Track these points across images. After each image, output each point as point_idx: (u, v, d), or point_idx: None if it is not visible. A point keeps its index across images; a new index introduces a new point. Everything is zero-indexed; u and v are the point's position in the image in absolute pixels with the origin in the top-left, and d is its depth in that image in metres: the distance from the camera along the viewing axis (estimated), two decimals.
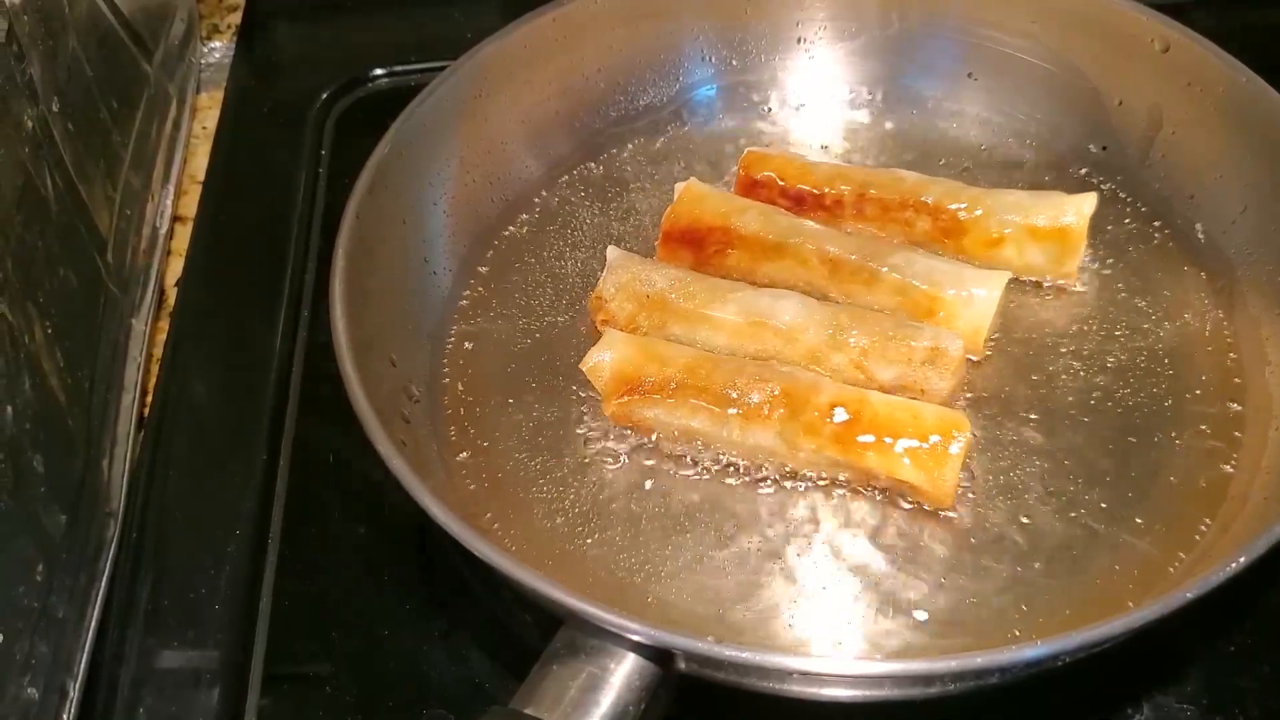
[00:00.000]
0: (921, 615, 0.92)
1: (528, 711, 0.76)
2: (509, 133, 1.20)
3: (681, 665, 0.80)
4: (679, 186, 1.16)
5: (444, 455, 1.02)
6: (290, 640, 0.96)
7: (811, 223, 1.13)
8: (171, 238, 1.27)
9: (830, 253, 1.09)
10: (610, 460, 1.01)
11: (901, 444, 0.95)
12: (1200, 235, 1.12)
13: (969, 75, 1.26)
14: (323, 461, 1.06)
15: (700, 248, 1.12)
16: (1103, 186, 1.17)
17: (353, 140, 1.33)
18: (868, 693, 0.86)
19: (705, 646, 0.77)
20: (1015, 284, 1.11)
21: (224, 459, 1.07)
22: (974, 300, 1.05)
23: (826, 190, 1.15)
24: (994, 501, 0.97)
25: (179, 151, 1.33)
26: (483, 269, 1.16)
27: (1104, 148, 1.20)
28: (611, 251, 1.11)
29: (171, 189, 1.29)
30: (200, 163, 1.35)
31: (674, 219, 1.14)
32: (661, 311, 1.07)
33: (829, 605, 0.93)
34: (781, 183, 1.16)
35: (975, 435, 1.00)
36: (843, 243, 1.10)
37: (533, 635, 0.92)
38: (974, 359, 1.05)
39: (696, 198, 1.15)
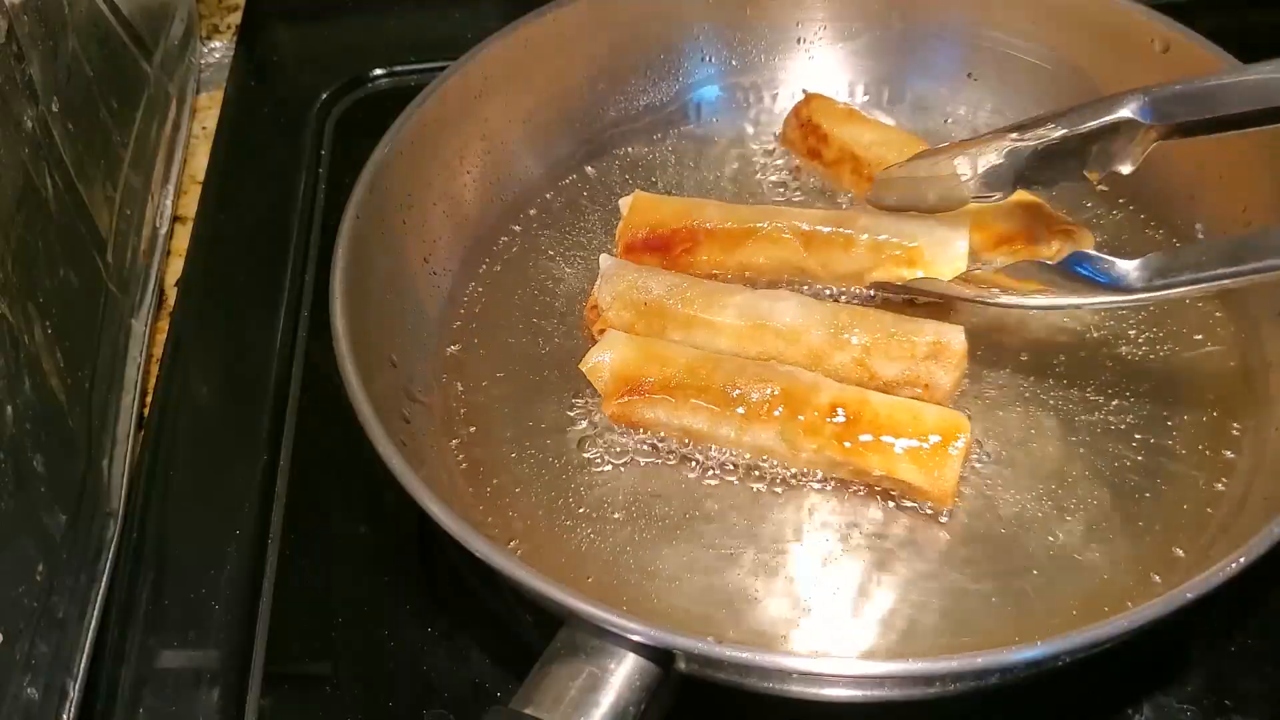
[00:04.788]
0: (922, 615, 0.92)
1: (528, 711, 0.76)
2: (509, 133, 1.20)
3: (682, 665, 0.80)
4: (624, 202, 1.15)
5: (444, 455, 1.02)
6: (290, 640, 0.96)
7: (773, 206, 1.14)
8: (171, 238, 1.27)
9: (802, 228, 1.10)
10: (610, 460, 1.01)
11: (902, 444, 0.95)
12: (1200, 235, 1.12)
13: (969, 75, 1.26)
14: (323, 461, 1.06)
15: (667, 250, 1.12)
16: (1102, 186, 1.17)
17: (353, 140, 1.33)
18: (868, 693, 0.86)
19: (705, 646, 0.77)
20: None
21: (224, 459, 1.07)
22: (949, 241, 1.06)
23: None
24: (994, 502, 0.97)
25: (179, 151, 1.33)
26: (483, 269, 1.16)
27: None
28: (604, 260, 1.10)
29: (171, 189, 1.29)
30: (200, 163, 1.35)
31: (632, 231, 1.12)
32: (660, 318, 1.06)
33: (829, 605, 0.93)
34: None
35: (975, 435, 1.00)
36: (809, 217, 1.11)
37: (533, 635, 0.92)
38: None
39: (651, 206, 1.14)
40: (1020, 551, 0.94)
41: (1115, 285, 0.92)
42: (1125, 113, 0.93)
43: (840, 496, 0.98)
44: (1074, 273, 0.93)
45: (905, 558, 0.95)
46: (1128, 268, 0.91)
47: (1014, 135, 0.98)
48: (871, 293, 1.09)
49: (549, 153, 1.23)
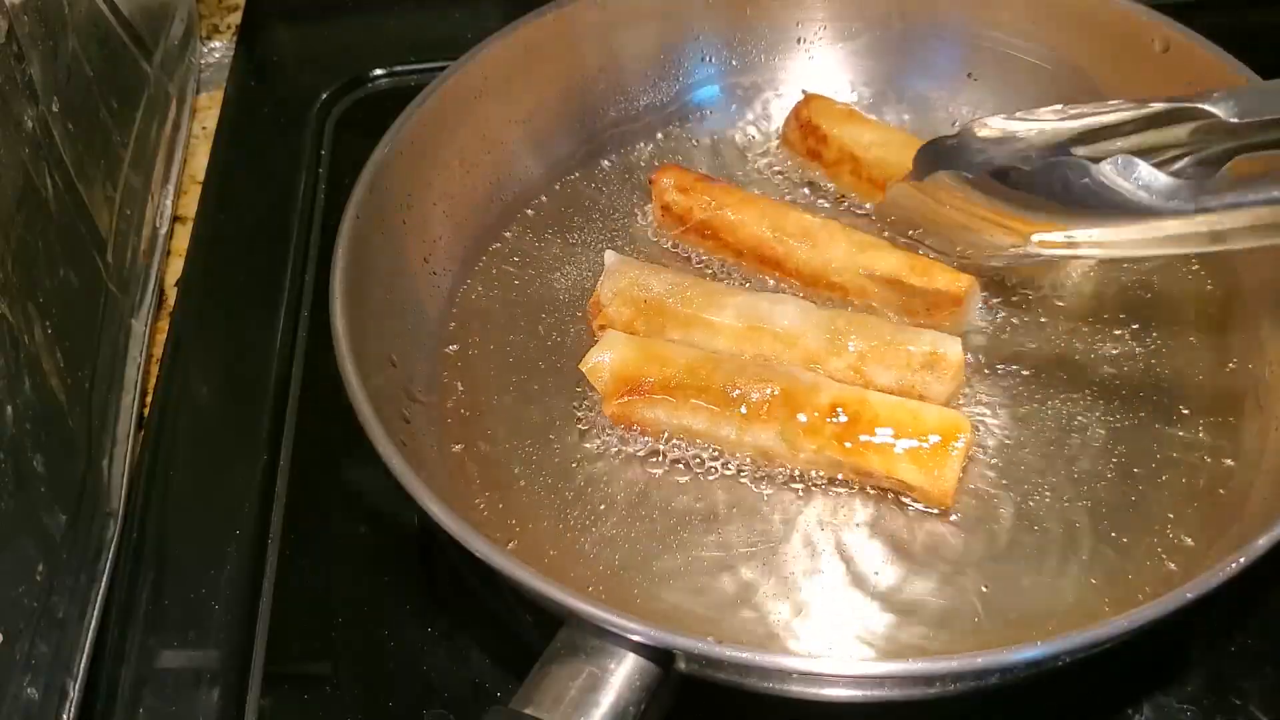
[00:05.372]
0: (921, 615, 0.92)
1: (528, 711, 0.76)
2: (509, 133, 1.20)
3: (682, 665, 0.80)
4: None
5: (444, 455, 1.02)
6: (290, 640, 0.96)
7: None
8: (171, 238, 1.27)
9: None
10: (610, 461, 1.01)
11: (902, 444, 0.95)
12: None
13: (969, 75, 1.26)
14: (323, 461, 1.06)
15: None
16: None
17: (353, 140, 1.33)
18: (868, 693, 0.86)
19: (705, 646, 0.77)
20: (1015, 286, 1.10)
21: (224, 459, 1.07)
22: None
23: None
24: (993, 502, 0.97)
25: (179, 151, 1.33)
26: (482, 269, 1.16)
27: None
28: (609, 256, 1.11)
29: (171, 189, 1.29)
30: (200, 163, 1.35)
31: None
32: (659, 316, 1.07)
33: (829, 605, 0.93)
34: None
35: (975, 435, 1.00)
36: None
37: (533, 635, 0.92)
38: None
39: None
40: (1020, 551, 0.94)
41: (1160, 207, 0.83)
42: (1204, 105, 0.85)
43: (840, 496, 0.98)
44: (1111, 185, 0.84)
45: (906, 557, 0.95)
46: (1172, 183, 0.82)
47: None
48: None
49: (549, 153, 1.23)
